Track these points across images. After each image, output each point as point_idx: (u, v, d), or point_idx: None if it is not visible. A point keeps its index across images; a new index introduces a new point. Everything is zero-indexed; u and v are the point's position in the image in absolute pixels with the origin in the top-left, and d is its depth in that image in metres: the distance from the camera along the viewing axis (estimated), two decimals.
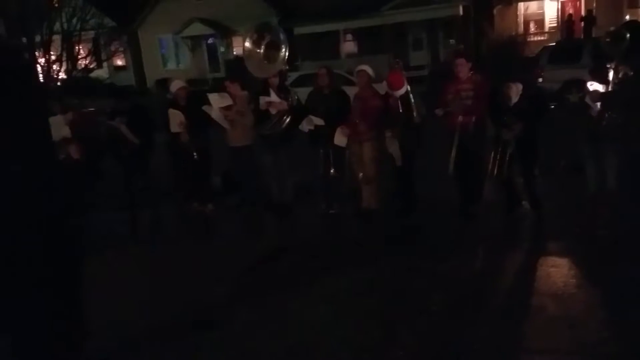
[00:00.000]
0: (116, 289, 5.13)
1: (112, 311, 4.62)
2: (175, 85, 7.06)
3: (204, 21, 27.18)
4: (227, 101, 6.52)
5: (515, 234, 5.50)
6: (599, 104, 5.42)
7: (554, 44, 16.11)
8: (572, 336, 3.60)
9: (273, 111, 6.24)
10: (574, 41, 18.86)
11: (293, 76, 17.01)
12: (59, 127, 6.93)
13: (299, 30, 24.88)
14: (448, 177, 5.79)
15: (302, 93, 6.89)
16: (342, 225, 6.37)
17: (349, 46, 26.63)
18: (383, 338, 3.80)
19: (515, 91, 5.35)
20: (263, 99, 6.23)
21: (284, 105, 6.22)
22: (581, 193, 6.00)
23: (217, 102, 6.53)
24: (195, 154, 6.70)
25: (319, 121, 6.19)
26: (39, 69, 13.77)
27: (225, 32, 27.42)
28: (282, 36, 5.85)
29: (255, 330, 4.06)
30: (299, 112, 6.37)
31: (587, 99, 5.33)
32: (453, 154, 5.68)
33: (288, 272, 5.11)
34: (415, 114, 5.75)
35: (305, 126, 6.30)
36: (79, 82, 14.66)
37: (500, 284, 4.55)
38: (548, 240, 5.24)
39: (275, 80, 6.34)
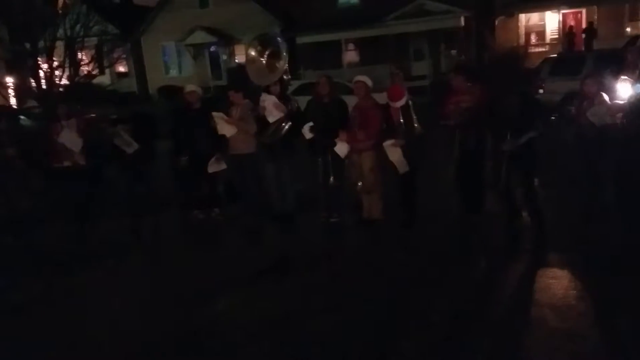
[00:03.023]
0: (116, 296, 5.14)
1: (112, 319, 4.62)
2: (187, 89, 7.21)
3: (207, 29, 27.31)
4: (231, 131, 6.56)
5: (515, 246, 5.48)
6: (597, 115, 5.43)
7: (555, 55, 16.16)
8: (571, 348, 3.58)
9: (270, 118, 6.23)
10: (575, 53, 18.93)
11: (295, 85, 17.06)
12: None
13: (301, 39, 25.00)
14: (449, 187, 5.79)
15: (304, 101, 6.92)
16: (344, 234, 6.37)
17: (350, 56, 26.74)
18: (384, 349, 3.79)
19: (514, 104, 5.37)
20: (262, 102, 6.24)
21: (282, 109, 6.23)
22: (581, 204, 6.01)
23: (222, 128, 6.59)
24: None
25: (308, 134, 6.21)
26: (42, 74, 13.81)
27: (228, 41, 27.54)
28: (282, 46, 5.91)
29: (256, 340, 4.05)
30: (298, 119, 6.39)
31: (597, 111, 5.26)
32: (453, 164, 5.69)
33: (289, 281, 5.10)
34: (416, 124, 5.77)
35: (306, 133, 6.32)
36: (81, 88, 14.70)
37: (500, 295, 4.54)
38: (548, 251, 5.23)
39: (276, 89, 6.38)
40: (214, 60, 28.85)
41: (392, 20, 23.79)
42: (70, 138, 6.77)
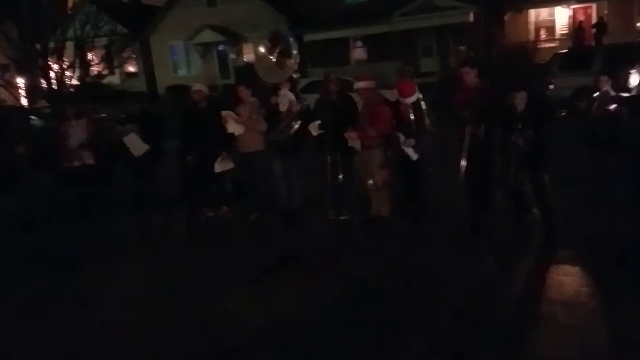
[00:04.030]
0: (125, 295, 5.17)
1: (121, 317, 4.65)
2: (193, 88, 7.25)
3: (215, 28, 27.35)
4: (240, 130, 6.59)
5: (526, 242, 5.47)
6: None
7: (565, 51, 16.04)
8: (583, 345, 3.57)
9: (283, 107, 6.21)
10: (585, 48, 18.77)
11: (303, 83, 17.03)
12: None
13: (308, 37, 24.96)
14: (458, 184, 5.78)
15: (312, 99, 6.93)
16: (352, 232, 6.36)
17: (358, 53, 26.67)
18: (393, 346, 3.79)
19: (521, 100, 5.34)
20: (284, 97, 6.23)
21: (296, 108, 6.24)
22: (591, 201, 5.97)
23: (231, 127, 6.61)
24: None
25: (315, 131, 6.21)
26: (52, 75, 13.93)
27: (236, 39, 27.57)
28: (294, 44, 5.91)
29: (264, 338, 4.07)
30: (308, 118, 6.39)
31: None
32: (463, 161, 5.67)
33: (297, 279, 5.11)
34: (427, 121, 5.76)
35: (313, 130, 6.32)
36: (91, 88, 14.82)
37: (511, 292, 4.53)
38: (559, 248, 5.21)
39: (286, 87, 6.37)
40: (222, 59, 28.90)
41: (399, 16, 23.69)
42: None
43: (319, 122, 6.24)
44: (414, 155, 5.82)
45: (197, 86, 7.31)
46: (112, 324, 4.52)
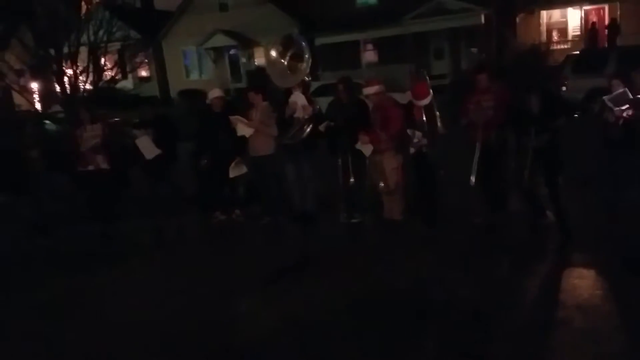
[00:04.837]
0: (139, 295, 5.21)
1: (135, 317, 4.69)
2: (212, 94, 7.26)
3: (227, 33, 27.51)
4: (250, 131, 6.62)
5: (540, 245, 5.43)
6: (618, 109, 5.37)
7: (578, 52, 15.92)
8: (597, 350, 3.53)
9: (300, 114, 6.23)
10: (598, 50, 18.62)
11: (314, 86, 17.08)
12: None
13: (320, 40, 25.01)
14: (471, 187, 5.76)
15: (323, 102, 6.94)
16: (364, 234, 6.36)
17: (369, 56, 26.67)
18: (405, 348, 3.78)
19: (534, 102, 5.31)
20: (294, 104, 6.25)
21: (309, 110, 6.26)
22: (606, 203, 5.91)
23: (240, 130, 6.65)
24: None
25: (324, 127, 6.23)
26: (66, 80, 14.07)
27: (247, 44, 27.71)
28: (306, 48, 5.93)
29: (277, 340, 4.08)
30: (319, 121, 6.40)
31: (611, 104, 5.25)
32: (475, 164, 5.65)
33: (310, 281, 5.12)
34: (439, 124, 5.75)
35: (323, 128, 6.34)
36: (105, 93, 14.95)
37: (525, 295, 4.49)
38: (573, 251, 5.16)
39: (297, 91, 6.38)
40: (234, 63, 29.06)
41: (411, 19, 23.67)
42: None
43: (331, 123, 6.25)
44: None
45: (215, 92, 7.31)
46: (126, 324, 4.56)
